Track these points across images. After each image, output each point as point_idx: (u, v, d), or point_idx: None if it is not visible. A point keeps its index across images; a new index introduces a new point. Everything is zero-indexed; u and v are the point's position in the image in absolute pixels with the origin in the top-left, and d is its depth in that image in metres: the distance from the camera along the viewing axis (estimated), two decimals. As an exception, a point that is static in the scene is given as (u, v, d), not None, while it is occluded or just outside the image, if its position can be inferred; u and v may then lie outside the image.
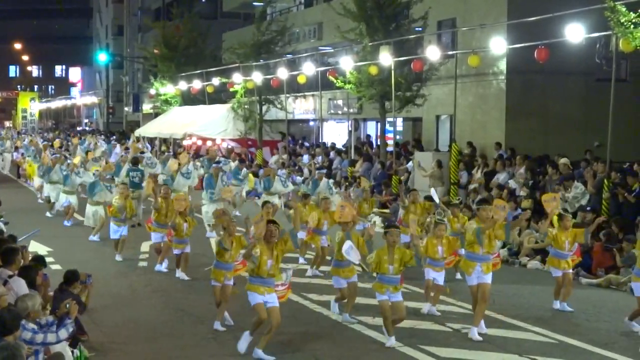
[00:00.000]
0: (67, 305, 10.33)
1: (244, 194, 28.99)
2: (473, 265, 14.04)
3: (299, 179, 31.39)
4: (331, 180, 28.30)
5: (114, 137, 59.11)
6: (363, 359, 12.92)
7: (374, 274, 13.66)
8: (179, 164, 28.31)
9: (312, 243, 19.68)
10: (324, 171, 28.12)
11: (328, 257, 18.35)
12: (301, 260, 20.22)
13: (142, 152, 36.38)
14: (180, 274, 18.73)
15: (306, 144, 43.31)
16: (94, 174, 27.48)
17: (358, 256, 14.17)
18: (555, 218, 16.24)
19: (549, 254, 17.05)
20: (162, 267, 19.60)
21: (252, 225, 12.78)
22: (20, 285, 11.47)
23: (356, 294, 15.12)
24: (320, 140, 39.37)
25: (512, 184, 25.80)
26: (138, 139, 49.22)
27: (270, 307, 12.56)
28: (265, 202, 19.25)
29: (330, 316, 15.34)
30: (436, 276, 15.61)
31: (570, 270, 16.51)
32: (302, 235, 19.38)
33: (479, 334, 13.81)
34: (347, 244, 14.19)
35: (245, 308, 13.66)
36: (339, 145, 40.22)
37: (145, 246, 22.83)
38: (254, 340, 12.66)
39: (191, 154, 37.98)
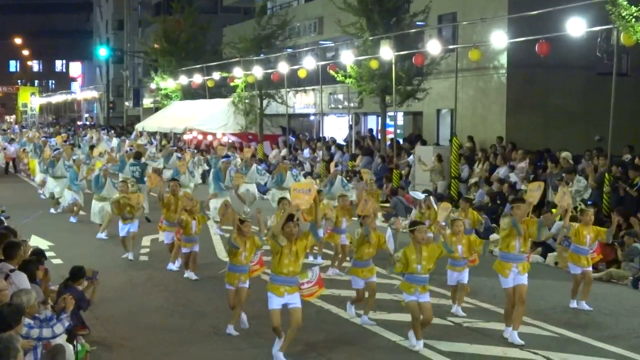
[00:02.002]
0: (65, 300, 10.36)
1: (254, 190, 28.57)
2: (509, 266, 13.47)
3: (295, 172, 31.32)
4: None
5: (112, 131, 59.02)
6: (366, 353, 12.90)
7: (397, 273, 13.25)
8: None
9: (331, 242, 19.13)
10: (339, 168, 27.84)
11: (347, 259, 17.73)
12: (311, 258, 19.48)
13: (145, 146, 36.42)
14: (189, 273, 18.18)
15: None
16: (99, 169, 27.34)
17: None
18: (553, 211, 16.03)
19: (569, 250, 16.46)
20: (174, 266, 19.09)
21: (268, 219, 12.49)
22: (21, 280, 11.47)
23: (375, 294, 14.58)
24: (320, 135, 39.34)
25: (512, 177, 25.81)
26: (141, 134, 49.27)
27: (292, 307, 12.08)
28: (281, 199, 18.93)
29: (330, 310, 15.32)
30: (460, 277, 15.15)
31: (590, 268, 16.12)
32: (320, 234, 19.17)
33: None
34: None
35: (262, 311, 13.51)
36: (339, 140, 40.21)
37: (146, 240, 22.83)
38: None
39: (191, 149, 37.97)
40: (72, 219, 26.60)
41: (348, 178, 29.22)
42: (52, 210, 28.64)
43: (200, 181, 28.32)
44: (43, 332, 9.81)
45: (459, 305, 15.21)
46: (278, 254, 12.04)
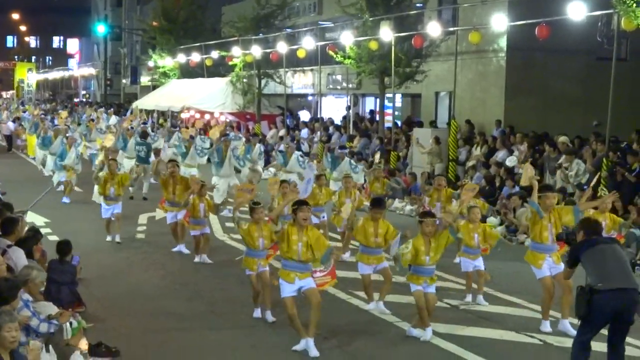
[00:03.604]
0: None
1: (261, 170, 28.22)
2: (542, 257, 13.13)
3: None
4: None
5: (112, 108, 58.85)
6: (363, 333, 12.89)
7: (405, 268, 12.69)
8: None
9: (334, 223, 18.65)
10: (346, 150, 27.56)
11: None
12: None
13: (145, 123, 36.26)
14: (201, 257, 17.72)
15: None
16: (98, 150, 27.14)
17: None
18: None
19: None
20: (182, 248, 18.74)
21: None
22: (18, 256, 11.47)
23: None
24: (318, 115, 39.31)
25: (510, 161, 25.78)
26: (140, 111, 49.16)
27: (307, 289, 11.75)
28: (282, 182, 18.24)
29: (327, 290, 15.27)
30: (476, 264, 14.85)
31: None
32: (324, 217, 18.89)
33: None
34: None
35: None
36: (337, 121, 40.13)
37: (142, 218, 22.82)
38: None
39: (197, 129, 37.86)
40: (65, 199, 26.11)
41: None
42: (59, 188, 28.19)
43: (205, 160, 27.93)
44: (32, 320, 9.78)
45: (479, 294, 14.85)
46: (284, 240, 11.82)
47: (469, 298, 14.85)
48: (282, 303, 11.99)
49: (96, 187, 22.85)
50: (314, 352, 11.63)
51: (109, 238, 19.83)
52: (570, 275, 10.77)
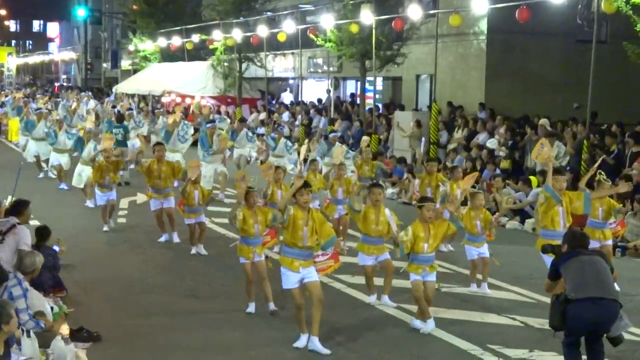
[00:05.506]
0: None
1: (247, 155, 27.96)
2: (556, 244, 12.24)
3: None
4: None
5: (90, 92, 58.54)
6: (365, 327, 12.81)
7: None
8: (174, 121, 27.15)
9: (327, 213, 17.86)
10: (338, 134, 27.28)
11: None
12: None
13: (130, 109, 36.05)
14: (197, 248, 17.21)
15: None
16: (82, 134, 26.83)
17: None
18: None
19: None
20: (174, 236, 18.28)
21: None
22: (24, 235, 11.51)
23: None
24: (299, 99, 39.29)
25: (491, 143, 25.85)
26: (126, 96, 48.98)
27: (309, 282, 11.23)
28: (276, 167, 17.75)
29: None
30: (480, 251, 14.57)
31: (609, 242, 15.16)
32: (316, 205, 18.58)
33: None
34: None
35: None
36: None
37: (124, 203, 22.72)
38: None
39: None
40: (62, 186, 25.56)
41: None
42: (41, 175, 27.97)
43: (189, 144, 27.65)
44: (21, 315, 9.77)
45: (485, 281, 14.53)
46: (290, 226, 11.27)
47: (473, 287, 14.57)
48: (288, 294, 11.61)
49: (76, 173, 22.97)
50: (324, 350, 11.15)
51: (105, 228, 19.34)
52: (552, 287, 10.43)
